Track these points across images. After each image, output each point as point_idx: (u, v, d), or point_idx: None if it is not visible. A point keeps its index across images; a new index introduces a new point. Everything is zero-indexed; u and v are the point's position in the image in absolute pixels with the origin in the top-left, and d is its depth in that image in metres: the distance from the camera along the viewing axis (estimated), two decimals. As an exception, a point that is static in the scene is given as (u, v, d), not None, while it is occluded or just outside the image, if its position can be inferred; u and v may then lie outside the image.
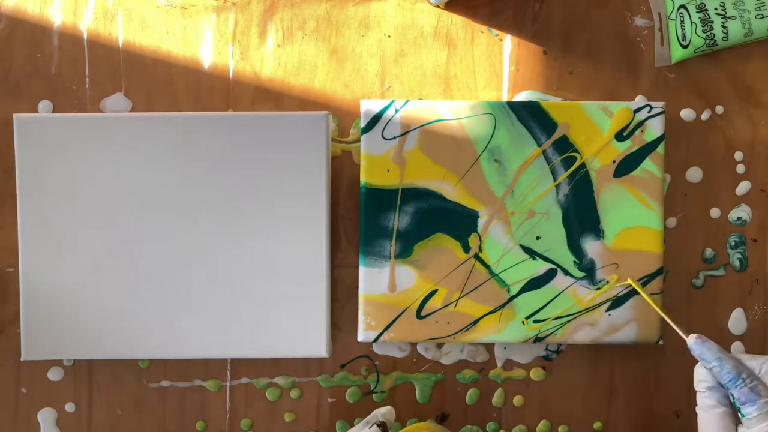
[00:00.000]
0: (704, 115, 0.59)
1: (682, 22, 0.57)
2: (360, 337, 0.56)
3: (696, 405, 0.47)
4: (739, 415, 0.45)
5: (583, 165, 0.56)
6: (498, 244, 0.56)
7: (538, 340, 0.56)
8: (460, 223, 0.56)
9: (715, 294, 0.59)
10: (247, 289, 0.56)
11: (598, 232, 0.56)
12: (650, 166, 0.56)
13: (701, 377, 0.47)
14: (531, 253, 0.56)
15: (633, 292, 0.56)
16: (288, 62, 0.59)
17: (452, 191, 0.56)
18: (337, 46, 0.59)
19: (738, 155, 0.59)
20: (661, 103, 0.56)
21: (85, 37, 0.59)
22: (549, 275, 0.56)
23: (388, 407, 0.53)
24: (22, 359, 0.56)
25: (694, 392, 0.59)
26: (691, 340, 0.47)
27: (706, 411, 0.46)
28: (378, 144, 0.56)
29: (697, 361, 0.48)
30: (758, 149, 0.59)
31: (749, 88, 0.59)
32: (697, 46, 0.57)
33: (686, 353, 0.59)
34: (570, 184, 0.56)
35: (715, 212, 0.59)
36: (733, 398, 0.45)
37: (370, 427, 0.49)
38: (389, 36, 0.59)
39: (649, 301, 0.53)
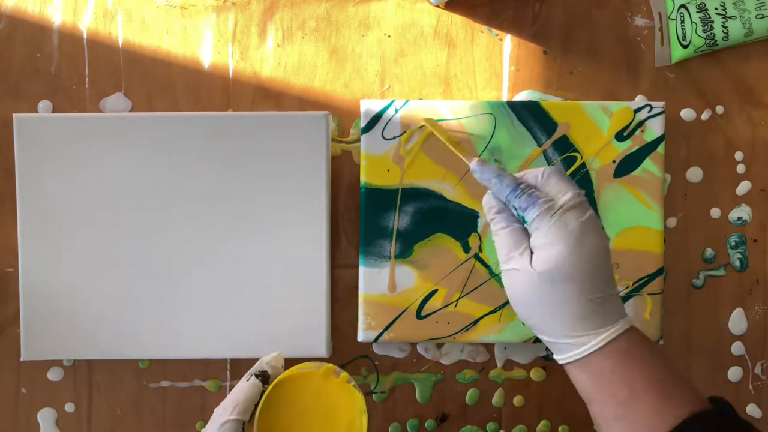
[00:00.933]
0: (704, 115, 0.59)
1: (683, 21, 0.57)
2: (360, 337, 0.56)
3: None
4: (525, 224, 0.44)
5: (583, 165, 0.56)
6: (498, 244, 0.56)
7: (538, 340, 0.56)
8: (460, 223, 0.56)
9: (715, 294, 0.59)
10: (247, 289, 0.56)
11: (598, 232, 0.56)
12: (650, 166, 0.56)
13: (489, 204, 0.45)
14: (531, 253, 0.56)
15: (633, 292, 0.56)
16: (288, 62, 0.59)
17: (452, 191, 0.56)
18: (337, 46, 0.59)
19: (738, 155, 0.59)
20: (661, 103, 0.56)
21: (85, 37, 0.59)
22: (549, 275, 0.56)
23: (276, 354, 0.50)
24: (21, 359, 0.56)
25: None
26: (473, 163, 0.46)
27: (498, 233, 0.45)
28: (378, 144, 0.56)
29: None
30: (758, 149, 0.59)
31: (749, 88, 0.59)
32: (697, 45, 0.57)
33: (686, 353, 0.59)
34: (570, 184, 0.56)
35: (715, 212, 0.59)
36: (516, 210, 0.44)
37: (248, 380, 0.47)
38: (389, 36, 0.59)
39: (435, 131, 0.52)
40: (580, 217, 0.43)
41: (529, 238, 0.44)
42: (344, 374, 0.48)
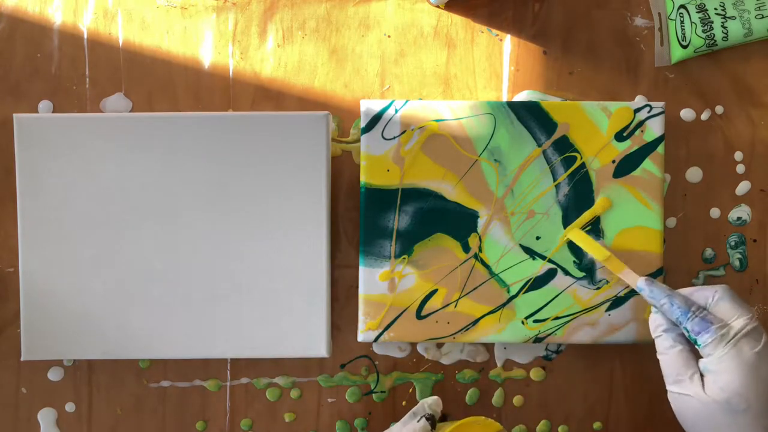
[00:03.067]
0: (704, 115, 0.59)
1: (682, 22, 0.57)
2: (360, 337, 0.56)
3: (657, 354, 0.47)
4: (696, 346, 0.44)
5: (583, 165, 0.56)
6: (498, 244, 0.56)
7: (538, 340, 0.56)
8: (460, 223, 0.56)
9: (715, 294, 0.59)
10: (247, 289, 0.56)
11: (598, 232, 0.56)
12: (650, 166, 0.56)
13: (656, 323, 0.46)
14: (531, 253, 0.56)
15: (633, 292, 0.56)
16: (288, 62, 0.59)
17: (452, 191, 0.56)
18: (337, 46, 0.59)
19: (738, 155, 0.59)
20: (661, 103, 0.56)
21: (85, 37, 0.59)
22: (549, 275, 0.56)
23: (435, 398, 0.52)
24: (22, 359, 0.56)
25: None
26: (641, 282, 0.48)
27: (665, 353, 0.45)
28: (378, 144, 0.56)
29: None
30: (758, 149, 0.59)
31: (749, 88, 0.59)
32: (697, 46, 0.57)
33: (686, 353, 0.59)
34: (570, 184, 0.56)
35: (715, 212, 0.59)
36: (688, 332, 0.44)
37: (418, 420, 0.48)
38: (389, 36, 0.59)
39: (586, 247, 0.53)
40: (755, 346, 0.43)
41: (697, 360, 0.45)
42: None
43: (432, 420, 0.49)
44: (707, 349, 0.43)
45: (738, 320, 0.43)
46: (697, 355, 0.45)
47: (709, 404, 0.43)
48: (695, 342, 0.44)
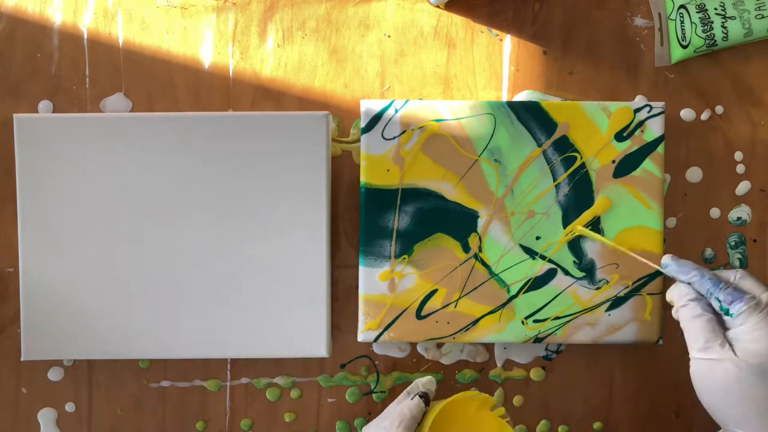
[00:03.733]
0: (704, 115, 0.59)
1: (682, 22, 0.57)
2: (360, 337, 0.56)
3: (680, 321, 0.47)
4: (727, 316, 0.45)
5: (583, 165, 0.56)
6: (498, 244, 0.56)
7: (538, 340, 0.56)
8: (460, 223, 0.56)
9: (715, 294, 0.59)
10: (247, 289, 0.56)
11: (598, 232, 0.56)
12: (650, 166, 0.56)
13: (683, 292, 0.47)
14: (531, 253, 0.56)
15: (633, 292, 0.56)
16: (288, 62, 0.59)
17: (452, 191, 0.56)
18: (337, 46, 0.59)
19: (738, 155, 0.59)
20: (661, 103, 0.56)
21: (85, 37, 0.59)
22: (549, 275, 0.56)
23: (429, 377, 0.52)
24: (22, 359, 0.56)
25: (694, 392, 0.59)
26: (666, 258, 0.48)
27: (692, 320, 0.46)
28: (378, 144, 0.56)
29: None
30: (758, 149, 0.59)
31: (749, 88, 0.59)
32: (697, 46, 0.57)
33: (687, 353, 0.59)
34: (570, 184, 0.56)
35: (715, 212, 0.59)
36: (719, 302, 0.45)
37: (412, 398, 0.49)
38: (389, 36, 0.59)
39: (602, 240, 0.53)
40: None
41: (724, 330, 0.45)
42: (500, 409, 0.50)
43: (426, 398, 0.49)
44: (739, 318, 0.44)
45: (764, 294, 0.45)
46: (724, 326, 0.46)
47: (742, 368, 0.43)
48: (726, 312, 0.45)
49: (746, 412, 0.44)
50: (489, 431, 0.50)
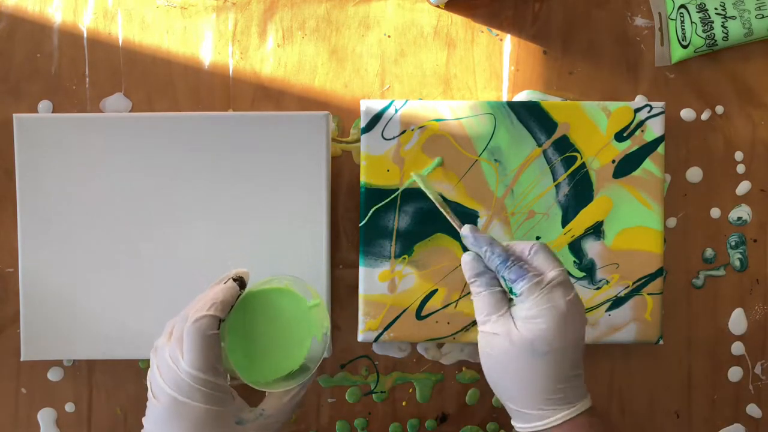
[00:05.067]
0: (704, 115, 0.59)
1: (682, 22, 0.57)
2: (360, 337, 0.56)
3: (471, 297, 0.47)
4: (511, 295, 0.45)
5: (583, 165, 0.56)
6: (498, 244, 0.56)
7: (538, 340, 0.56)
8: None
9: (715, 294, 0.59)
10: (247, 289, 0.56)
11: (598, 233, 0.56)
12: (650, 166, 0.56)
13: (473, 268, 0.47)
14: (531, 253, 0.56)
15: (633, 292, 0.56)
16: (288, 62, 0.59)
17: (452, 191, 0.56)
18: (337, 46, 0.59)
19: (738, 155, 0.59)
20: (661, 103, 0.56)
21: (85, 37, 0.59)
22: (549, 275, 0.56)
23: (245, 270, 0.49)
24: (22, 359, 0.56)
25: (694, 392, 0.59)
26: (465, 229, 0.48)
27: (479, 294, 0.46)
28: (378, 144, 0.56)
29: None
30: (758, 149, 0.59)
31: (749, 88, 0.59)
32: (697, 46, 0.57)
33: (686, 353, 0.59)
34: (570, 184, 0.56)
35: (715, 212, 0.59)
36: (504, 279, 0.45)
37: (225, 282, 0.47)
38: (389, 36, 0.59)
39: (428, 192, 0.53)
40: (566, 295, 0.44)
41: (509, 305, 0.45)
42: (316, 300, 0.48)
43: (241, 281, 0.47)
44: (522, 296, 0.44)
45: (552, 271, 0.45)
46: (508, 301, 0.46)
47: (515, 344, 0.43)
48: (511, 290, 0.45)
49: (517, 386, 0.44)
50: (304, 316, 0.48)
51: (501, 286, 0.46)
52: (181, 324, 0.44)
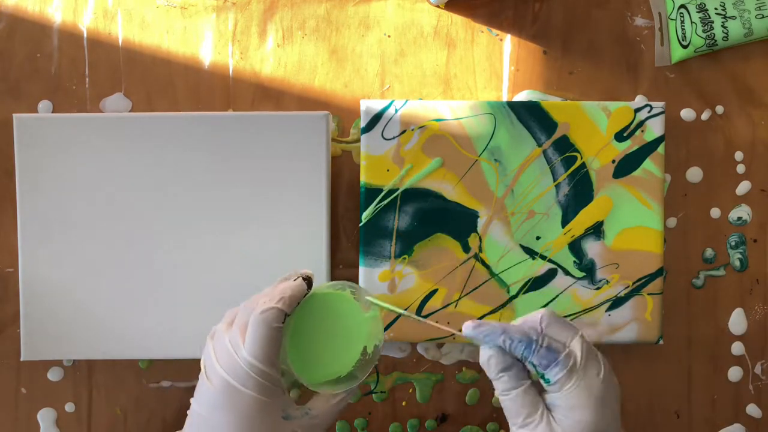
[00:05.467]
0: (704, 115, 0.59)
1: (682, 22, 0.57)
2: (360, 337, 0.56)
3: (496, 391, 0.44)
4: (543, 382, 0.43)
5: (583, 165, 0.56)
6: (498, 244, 0.56)
7: (538, 340, 0.56)
8: (460, 223, 0.56)
9: (715, 294, 0.59)
10: (248, 288, 0.55)
11: (598, 233, 0.56)
12: (650, 166, 0.56)
13: (495, 363, 0.43)
14: (531, 253, 0.56)
15: (633, 292, 0.56)
16: (288, 62, 0.59)
17: (452, 191, 0.56)
18: (337, 46, 0.59)
19: (738, 155, 0.59)
20: (661, 103, 0.56)
21: (85, 37, 0.59)
22: (549, 275, 0.56)
23: (310, 270, 0.48)
24: (21, 359, 0.56)
25: (694, 392, 0.59)
26: (467, 328, 0.43)
27: (509, 393, 0.43)
28: (378, 144, 0.56)
29: None
30: (758, 149, 0.59)
31: (749, 88, 0.59)
32: (697, 46, 0.57)
33: (686, 353, 0.59)
34: (570, 184, 0.56)
35: (715, 212, 0.59)
36: (534, 366, 0.42)
37: (295, 279, 0.46)
38: (389, 36, 0.59)
39: (396, 310, 0.50)
40: (598, 373, 0.42)
41: (542, 395, 0.43)
42: (374, 313, 0.48)
43: (309, 281, 0.47)
44: (557, 385, 0.42)
45: (574, 341, 0.42)
46: (539, 388, 0.44)
47: None
48: (542, 377, 0.42)
49: None
50: (360, 324, 0.48)
51: (528, 378, 0.43)
52: (245, 313, 0.45)
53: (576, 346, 0.42)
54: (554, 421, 0.42)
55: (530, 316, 0.44)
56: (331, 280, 0.57)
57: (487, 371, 0.44)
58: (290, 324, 0.47)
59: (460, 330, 0.44)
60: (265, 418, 0.44)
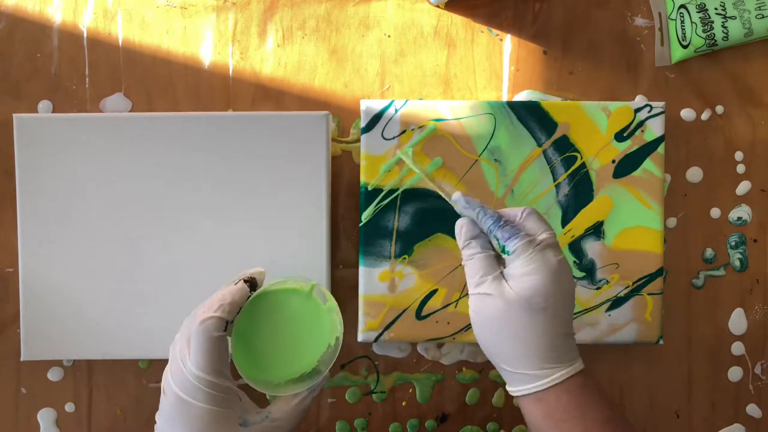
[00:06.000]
0: (704, 115, 0.59)
1: (682, 22, 0.57)
2: (360, 337, 0.56)
3: (462, 259, 0.47)
4: (503, 254, 0.45)
5: (583, 165, 0.56)
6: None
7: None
8: (460, 223, 0.56)
9: (715, 294, 0.59)
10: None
11: (598, 233, 0.56)
12: (650, 166, 0.56)
13: (466, 232, 0.47)
14: (531, 253, 0.56)
15: (633, 292, 0.56)
16: (288, 62, 0.59)
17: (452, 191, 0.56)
18: (337, 46, 0.59)
19: (738, 155, 0.59)
20: (661, 103, 0.56)
21: (85, 37, 0.59)
22: (549, 275, 0.56)
23: (261, 269, 0.49)
24: (22, 359, 0.56)
25: (694, 392, 0.59)
26: (457, 194, 0.48)
27: (471, 257, 0.46)
28: (378, 144, 0.56)
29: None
30: (758, 149, 0.59)
31: (749, 88, 0.59)
32: (697, 46, 0.57)
33: (686, 353, 0.59)
34: (570, 184, 0.56)
35: (715, 212, 0.59)
36: (497, 239, 0.45)
37: (236, 283, 0.47)
38: (389, 36, 0.59)
39: (415, 168, 0.53)
40: (557, 255, 0.44)
41: (501, 267, 0.45)
42: (331, 304, 0.48)
43: (252, 283, 0.47)
44: (515, 254, 0.44)
45: (543, 234, 0.45)
46: (501, 263, 0.46)
47: (511, 302, 0.43)
48: (503, 249, 0.45)
49: (512, 345, 0.44)
50: (316, 319, 0.48)
51: (494, 250, 0.46)
52: (188, 324, 0.45)
53: (543, 236, 0.45)
54: (508, 285, 0.44)
55: (516, 208, 0.47)
56: (331, 280, 0.57)
57: (458, 239, 0.47)
58: (237, 328, 0.46)
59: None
60: (220, 428, 0.44)
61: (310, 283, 0.48)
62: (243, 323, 0.47)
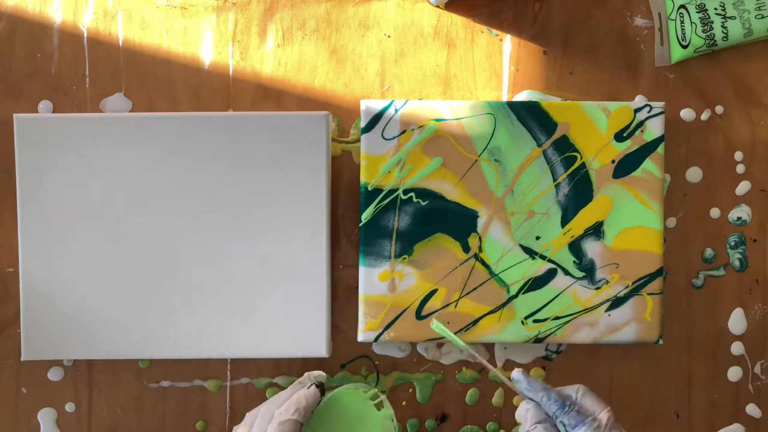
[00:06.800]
0: (704, 115, 0.59)
1: (682, 22, 0.57)
2: (360, 337, 0.56)
3: None
4: None
5: (583, 165, 0.56)
6: (498, 244, 0.56)
7: (538, 340, 0.56)
8: (460, 223, 0.56)
9: (715, 294, 0.59)
10: (247, 289, 0.56)
11: (598, 233, 0.56)
12: (650, 166, 0.56)
13: (532, 415, 0.48)
14: (531, 253, 0.56)
15: (633, 292, 0.56)
16: (288, 62, 0.59)
17: (452, 191, 0.56)
18: (337, 46, 0.59)
19: (738, 155, 0.59)
20: (661, 103, 0.56)
21: (85, 37, 0.59)
22: (549, 275, 0.56)
23: (320, 372, 0.53)
24: (22, 359, 0.56)
25: (694, 392, 0.59)
26: (517, 373, 0.49)
27: None
28: (378, 144, 0.56)
29: None
30: (758, 149, 0.59)
31: (749, 88, 0.59)
32: (697, 46, 0.57)
33: (686, 353, 0.59)
34: (570, 184, 0.56)
35: (715, 212, 0.59)
36: (564, 425, 0.47)
37: (308, 387, 0.50)
38: (389, 36, 0.59)
39: (455, 342, 0.52)
40: None
41: None
42: (387, 411, 0.51)
43: (321, 388, 0.50)
44: None
45: (602, 413, 0.47)
46: None
47: None
48: None
49: None
50: (373, 425, 0.51)
51: None
52: (263, 421, 0.48)
53: (603, 417, 0.47)
54: None
55: (570, 387, 0.49)
56: (331, 280, 0.57)
57: (523, 422, 0.48)
58: (306, 430, 0.50)
59: (509, 377, 0.49)
60: None
61: (371, 390, 0.52)
62: (312, 425, 0.51)
